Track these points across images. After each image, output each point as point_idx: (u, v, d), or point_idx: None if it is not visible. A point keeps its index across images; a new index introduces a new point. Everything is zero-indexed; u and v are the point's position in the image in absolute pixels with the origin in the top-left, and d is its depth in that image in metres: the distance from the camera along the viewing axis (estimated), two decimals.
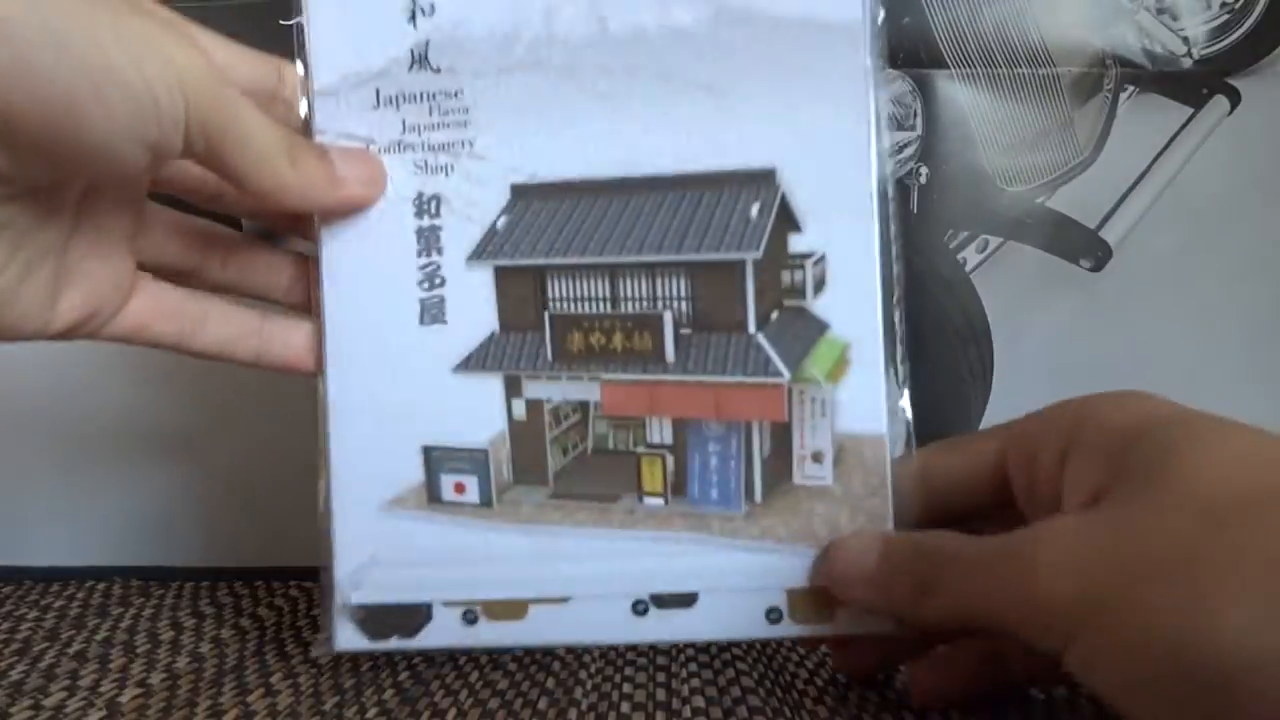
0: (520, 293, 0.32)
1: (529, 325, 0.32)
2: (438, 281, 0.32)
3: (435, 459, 0.32)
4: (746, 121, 0.30)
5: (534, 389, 0.32)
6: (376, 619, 0.32)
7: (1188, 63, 0.39)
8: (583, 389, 0.32)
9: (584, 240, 0.31)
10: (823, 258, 0.30)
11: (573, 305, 0.31)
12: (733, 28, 0.30)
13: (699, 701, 0.30)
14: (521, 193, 0.31)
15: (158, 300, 0.30)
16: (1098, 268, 0.41)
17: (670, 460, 0.31)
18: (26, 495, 0.45)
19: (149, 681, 0.33)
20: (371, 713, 0.30)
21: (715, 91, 0.30)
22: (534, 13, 0.31)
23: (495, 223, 0.31)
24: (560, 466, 0.32)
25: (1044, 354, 0.41)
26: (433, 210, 0.32)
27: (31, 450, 0.45)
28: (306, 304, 0.33)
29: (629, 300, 0.31)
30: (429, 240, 0.32)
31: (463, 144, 0.31)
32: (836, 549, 0.30)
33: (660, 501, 0.31)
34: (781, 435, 0.31)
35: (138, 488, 0.45)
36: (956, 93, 0.40)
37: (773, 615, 0.30)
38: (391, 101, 0.31)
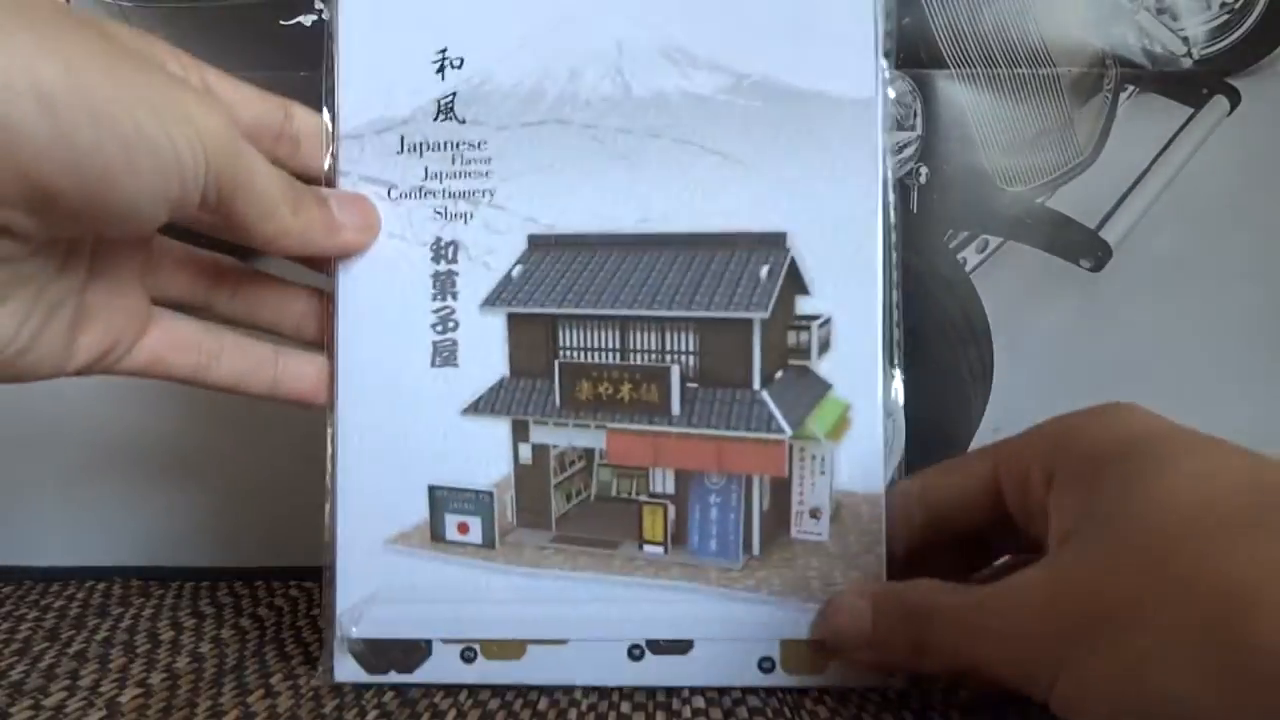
0: (532, 340, 0.32)
1: (539, 372, 0.32)
2: (451, 325, 0.32)
3: (440, 499, 0.32)
4: (760, 187, 0.31)
5: (541, 434, 0.32)
6: (375, 653, 0.32)
7: (1188, 63, 0.40)
8: (589, 437, 0.32)
9: (596, 292, 0.32)
10: (828, 320, 0.31)
11: (583, 355, 0.32)
12: (751, 98, 0.31)
13: (699, 702, 0.31)
14: (538, 243, 0.32)
15: (172, 333, 0.31)
16: (1098, 268, 0.41)
17: (672, 510, 0.32)
18: (27, 495, 0.45)
19: (149, 681, 0.33)
20: (371, 715, 0.30)
21: (731, 157, 0.32)
22: (560, 72, 0.32)
23: (510, 271, 0.32)
24: (563, 511, 0.33)
25: (1044, 354, 0.41)
26: (450, 255, 0.32)
27: (32, 451, 0.45)
28: (315, 339, 0.33)
29: (638, 352, 0.32)
30: (444, 285, 0.32)
31: (483, 193, 0.32)
32: (834, 614, 0.30)
33: (660, 550, 0.32)
34: (781, 490, 0.32)
35: (138, 488, 0.45)
36: (956, 93, 0.40)
37: (765, 665, 0.31)
38: (415, 149, 0.32)
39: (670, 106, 0.32)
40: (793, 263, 0.31)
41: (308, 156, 0.32)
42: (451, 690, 0.32)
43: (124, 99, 0.23)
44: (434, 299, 0.32)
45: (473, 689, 0.32)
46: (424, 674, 0.32)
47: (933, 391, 0.40)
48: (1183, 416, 0.26)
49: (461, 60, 0.32)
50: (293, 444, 0.43)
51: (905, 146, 0.40)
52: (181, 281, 0.32)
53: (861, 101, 0.31)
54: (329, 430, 0.33)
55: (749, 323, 0.31)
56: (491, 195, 0.32)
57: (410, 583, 0.32)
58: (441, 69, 0.32)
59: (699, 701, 0.31)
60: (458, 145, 0.32)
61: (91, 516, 0.45)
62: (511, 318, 0.32)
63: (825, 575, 0.31)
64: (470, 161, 0.32)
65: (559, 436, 0.32)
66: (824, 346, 0.32)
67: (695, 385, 0.32)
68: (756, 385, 0.32)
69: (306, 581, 0.43)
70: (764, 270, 0.31)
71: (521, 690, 0.32)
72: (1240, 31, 0.39)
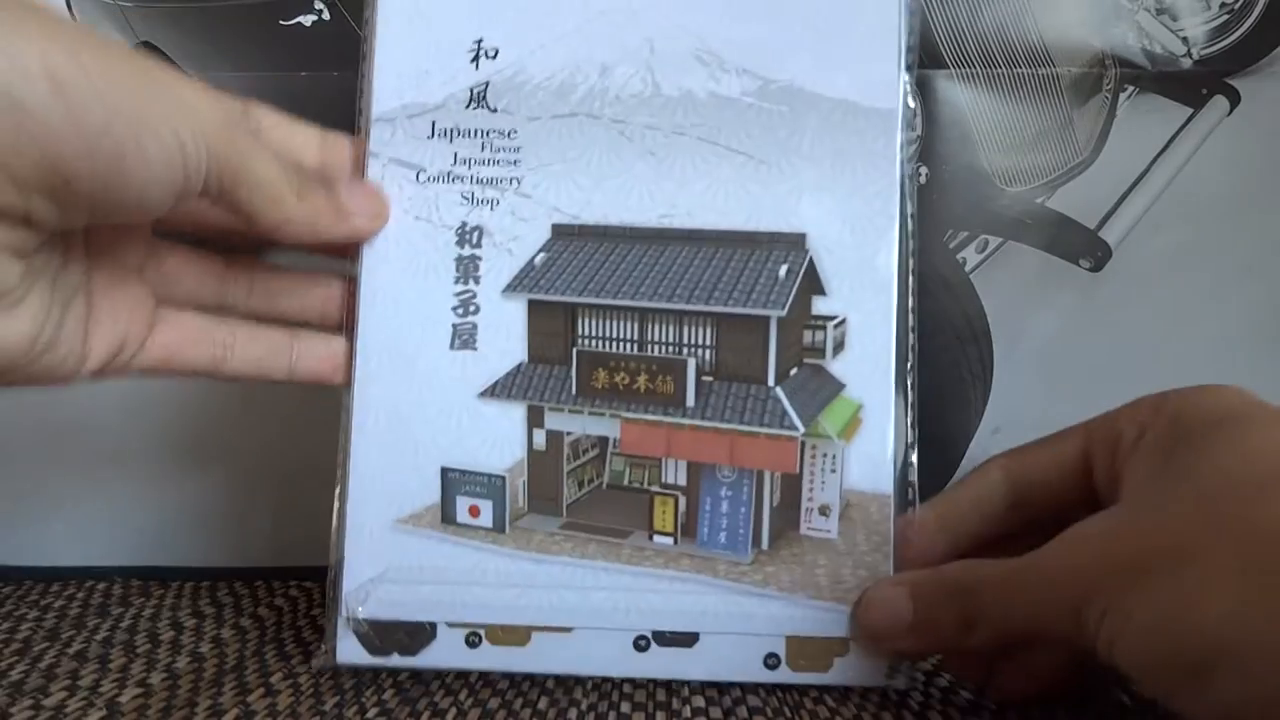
0: (551, 327, 0.33)
1: (556, 359, 0.33)
2: (472, 309, 0.33)
3: (452, 481, 0.32)
4: (783, 188, 0.32)
5: (555, 421, 0.33)
6: (380, 634, 0.32)
7: (1187, 63, 0.40)
8: (603, 425, 0.33)
9: (617, 283, 0.32)
10: (843, 321, 0.32)
11: (601, 344, 0.33)
12: (777, 102, 0.32)
13: (699, 702, 0.31)
14: (561, 232, 0.33)
15: (181, 328, 0.31)
16: (1098, 268, 0.41)
17: (683, 501, 0.32)
18: (27, 495, 0.44)
19: (149, 681, 0.33)
20: (371, 713, 0.30)
21: (756, 158, 0.32)
22: (591, 67, 0.33)
23: (533, 258, 0.33)
24: (575, 498, 0.33)
25: (1044, 354, 0.41)
26: (474, 240, 0.33)
27: (32, 451, 0.44)
28: (339, 324, 0.33)
29: (655, 344, 0.33)
30: (468, 269, 0.33)
31: (510, 181, 0.33)
32: (870, 606, 0.30)
33: (670, 541, 0.32)
34: (791, 486, 0.32)
35: (139, 488, 0.44)
36: (956, 93, 0.40)
37: (770, 661, 0.31)
38: (446, 134, 0.33)
39: (698, 106, 0.33)
40: (811, 263, 0.32)
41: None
42: (452, 689, 0.32)
43: (128, 85, 0.24)
44: (456, 282, 0.33)
45: (474, 689, 0.32)
46: (428, 658, 0.32)
47: (932, 391, 0.40)
48: None
49: (496, 51, 0.33)
50: (294, 444, 0.43)
51: (905, 146, 0.41)
52: (189, 280, 0.32)
53: (884, 112, 0.32)
54: (343, 410, 0.33)
55: (766, 320, 0.32)
56: (519, 183, 0.33)
57: (418, 564, 0.32)
58: (476, 58, 0.33)
59: (699, 701, 0.31)
60: (488, 133, 0.33)
61: (91, 516, 0.44)
62: (532, 304, 0.33)
63: (833, 573, 0.32)
64: (500, 150, 0.33)
65: (574, 423, 0.33)
66: (839, 346, 0.32)
67: (710, 379, 0.32)
68: (771, 381, 0.32)
69: (307, 581, 0.43)
70: (783, 269, 0.32)
71: (522, 689, 0.32)
72: (1240, 32, 0.40)
